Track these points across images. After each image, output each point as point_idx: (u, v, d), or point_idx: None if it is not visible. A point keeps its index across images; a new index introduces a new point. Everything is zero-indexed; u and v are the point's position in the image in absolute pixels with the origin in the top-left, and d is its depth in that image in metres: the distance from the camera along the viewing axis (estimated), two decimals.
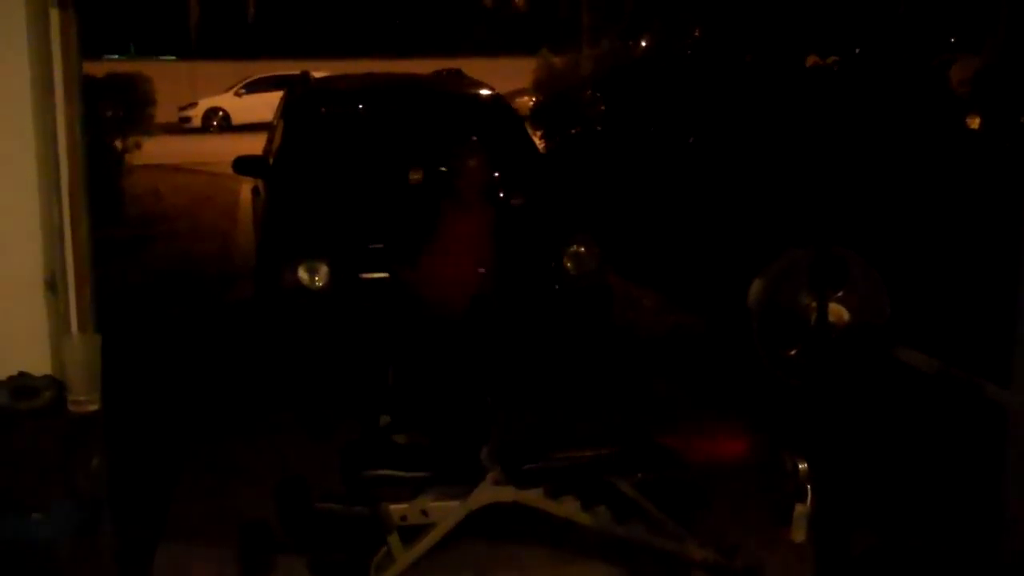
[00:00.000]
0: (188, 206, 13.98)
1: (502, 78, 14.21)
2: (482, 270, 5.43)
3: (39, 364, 3.50)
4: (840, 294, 3.18)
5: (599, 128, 13.66)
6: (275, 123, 8.50)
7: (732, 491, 4.61)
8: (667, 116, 11.76)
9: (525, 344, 5.85)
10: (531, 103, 15.87)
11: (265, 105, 17.34)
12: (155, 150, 14.57)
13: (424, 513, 4.07)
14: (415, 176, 6.48)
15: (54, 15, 3.49)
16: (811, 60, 11.75)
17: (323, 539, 4.18)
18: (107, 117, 12.57)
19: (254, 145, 9.56)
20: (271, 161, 7.69)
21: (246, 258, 8.72)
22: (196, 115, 28.56)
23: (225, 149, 11.90)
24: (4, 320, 3.52)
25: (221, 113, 28.77)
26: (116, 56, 28.45)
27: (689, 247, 9.13)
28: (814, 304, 3.17)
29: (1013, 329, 3.52)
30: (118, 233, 10.68)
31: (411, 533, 4.00)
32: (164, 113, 17.36)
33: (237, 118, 27.68)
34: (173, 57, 32.97)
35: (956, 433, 4.87)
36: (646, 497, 4.16)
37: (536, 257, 6.33)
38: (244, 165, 7.66)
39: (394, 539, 3.94)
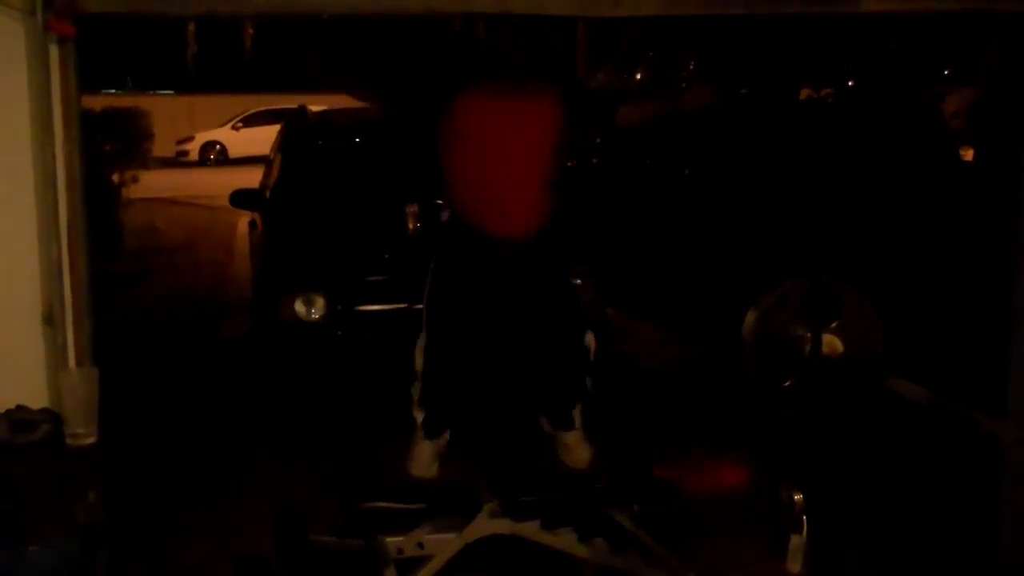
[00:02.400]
0: (185, 239, 14.00)
1: None
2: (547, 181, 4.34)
3: (37, 397, 3.50)
4: (834, 325, 3.20)
5: (595, 160, 13.71)
6: (272, 157, 8.54)
7: (729, 523, 4.61)
8: (662, 148, 11.81)
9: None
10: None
11: (262, 138, 17.40)
12: (153, 183, 14.61)
13: (420, 546, 4.06)
14: (413, 221, 6.43)
15: (53, 51, 3.51)
16: (805, 93, 11.84)
17: (319, 572, 4.17)
18: (105, 151, 12.61)
19: (251, 178, 9.59)
20: (268, 194, 7.73)
21: (243, 291, 8.73)
22: (193, 148, 28.68)
23: (222, 182, 11.95)
24: (2, 353, 3.53)
25: (218, 146, 28.88)
26: (114, 90, 28.60)
27: (685, 279, 9.14)
28: (808, 335, 3.19)
29: (1006, 360, 3.53)
30: (116, 266, 10.70)
31: (408, 566, 3.99)
32: (161, 147, 17.43)
33: (234, 151, 27.78)
34: (171, 91, 33.10)
35: (951, 465, 4.87)
36: (643, 529, 4.17)
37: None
38: (241, 198, 7.69)
39: (391, 572, 3.94)
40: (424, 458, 4.79)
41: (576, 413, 4.82)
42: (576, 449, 4.69)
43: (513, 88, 4.28)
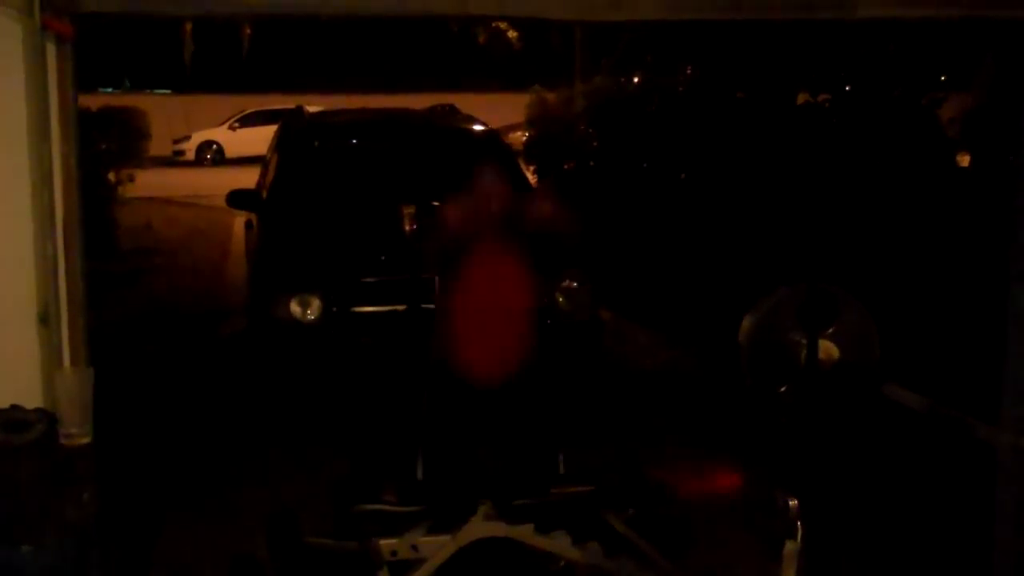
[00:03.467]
0: (181, 239, 13.99)
1: (496, 113, 14.29)
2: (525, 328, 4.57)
3: (31, 397, 3.49)
4: (830, 331, 3.20)
5: (592, 164, 13.72)
6: (269, 157, 8.53)
7: (723, 527, 4.61)
8: (660, 152, 11.83)
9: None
10: (524, 138, 15.95)
11: (259, 139, 17.42)
12: (149, 183, 14.62)
13: (414, 548, 4.06)
14: (410, 224, 6.40)
15: (50, 50, 3.51)
16: (802, 98, 11.85)
17: (313, 574, 4.16)
18: (101, 150, 12.61)
19: (248, 178, 9.59)
20: (264, 195, 7.73)
21: (239, 291, 8.73)
22: (190, 148, 28.66)
23: (219, 182, 11.96)
24: None
25: (215, 146, 28.87)
26: (111, 89, 28.60)
27: (681, 283, 9.15)
28: (804, 341, 3.19)
29: (1002, 368, 3.53)
30: (111, 266, 10.69)
31: (401, 568, 3.99)
32: (158, 146, 17.44)
33: (231, 151, 27.78)
34: (168, 90, 33.12)
35: (946, 471, 4.87)
36: (637, 533, 4.16)
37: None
38: (238, 199, 7.69)
39: (384, 574, 3.93)
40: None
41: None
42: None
43: (495, 252, 4.46)
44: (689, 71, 14.13)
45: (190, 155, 28.43)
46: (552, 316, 6.36)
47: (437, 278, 4.67)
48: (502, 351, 4.47)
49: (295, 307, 6.16)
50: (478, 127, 8.40)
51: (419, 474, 4.52)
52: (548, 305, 6.36)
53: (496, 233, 4.48)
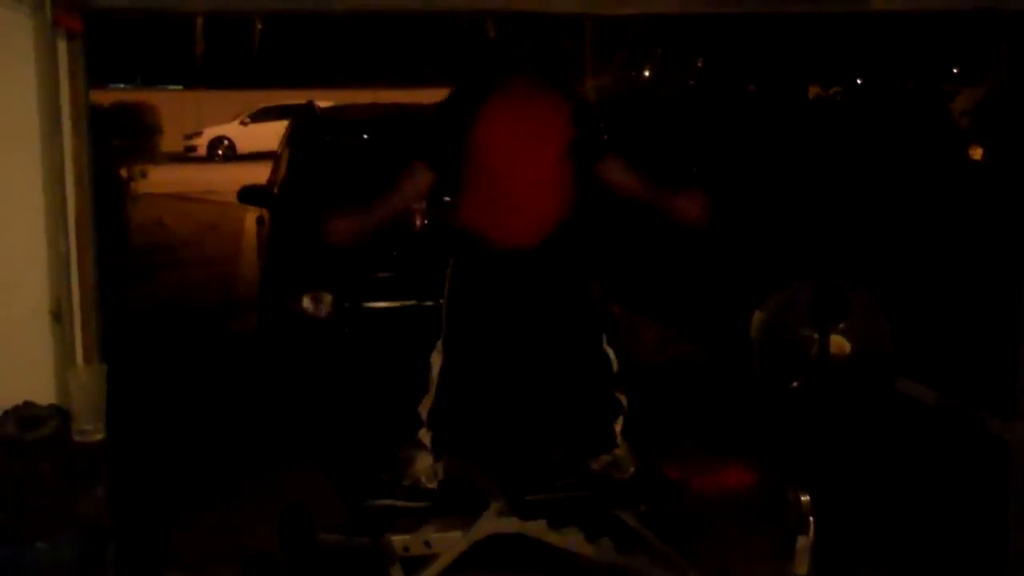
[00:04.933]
0: (193, 235, 14.01)
1: None
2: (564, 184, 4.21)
3: (44, 393, 3.51)
4: (842, 326, 3.20)
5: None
6: (280, 152, 8.54)
7: (735, 523, 4.60)
8: (670, 146, 11.81)
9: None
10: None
11: (270, 134, 17.43)
12: (161, 179, 14.63)
13: (427, 544, 4.06)
14: (421, 220, 6.35)
15: (62, 46, 3.52)
16: (813, 91, 11.83)
17: (326, 570, 4.17)
18: (113, 146, 12.63)
19: (259, 174, 9.60)
20: (276, 191, 7.73)
21: (251, 287, 8.74)
22: (201, 144, 28.67)
23: (230, 178, 11.97)
24: (10, 349, 3.53)
25: (226, 142, 28.89)
26: (123, 85, 28.64)
27: (692, 277, 9.14)
28: (816, 336, 3.19)
29: (1015, 361, 3.52)
30: (123, 262, 10.71)
31: (414, 564, 4.00)
32: (170, 142, 17.44)
33: (242, 147, 27.78)
34: (179, 86, 33.15)
35: (958, 465, 4.86)
36: (649, 528, 4.16)
37: None
38: (249, 195, 7.69)
39: (397, 570, 3.94)
40: (427, 470, 4.53)
41: (617, 429, 4.60)
42: (622, 463, 4.50)
43: (527, 103, 4.21)
44: (700, 64, 14.12)
45: (202, 151, 28.45)
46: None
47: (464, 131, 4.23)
48: (534, 206, 4.19)
49: (307, 303, 6.16)
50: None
51: (423, 414, 4.37)
52: None
53: (526, 72, 4.18)
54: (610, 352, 4.41)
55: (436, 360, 4.31)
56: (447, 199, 4.93)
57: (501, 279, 4.23)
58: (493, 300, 4.25)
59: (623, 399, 4.44)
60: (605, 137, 4.56)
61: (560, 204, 4.30)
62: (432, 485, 4.26)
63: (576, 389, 4.35)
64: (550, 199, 4.26)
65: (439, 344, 4.31)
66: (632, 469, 4.39)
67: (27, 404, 3.46)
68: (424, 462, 4.29)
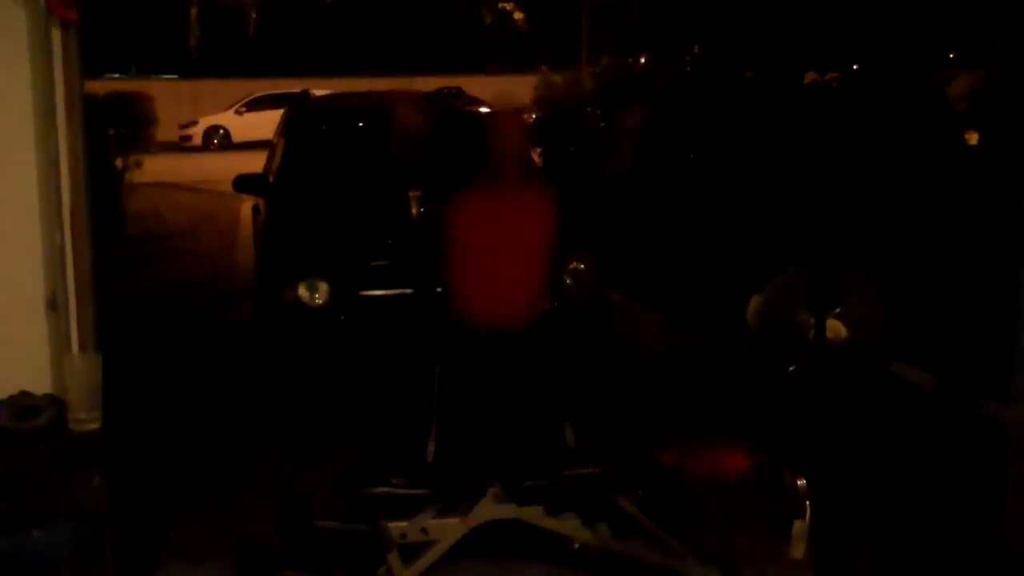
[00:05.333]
0: (189, 224, 14.00)
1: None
2: (543, 272, 4.45)
3: (40, 383, 3.51)
4: (838, 311, 3.20)
5: (599, 145, 13.71)
6: (275, 141, 8.52)
7: (732, 508, 4.61)
8: (667, 132, 11.80)
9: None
10: (531, 120, 15.93)
11: (266, 123, 17.36)
12: (156, 168, 14.61)
13: (424, 531, 4.07)
14: (416, 208, 6.38)
15: (56, 36, 3.51)
16: (810, 76, 11.82)
17: (323, 557, 4.18)
18: (108, 135, 12.61)
19: (254, 163, 9.58)
20: (271, 179, 7.72)
21: (246, 276, 8.74)
22: (197, 133, 28.63)
23: (226, 167, 11.93)
24: (6, 339, 3.54)
25: (222, 131, 28.84)
26: (117, 74, 28.54)
27: (689, 263, 9.13)
28: (812, 321, 3.19)
29: (1012, 346, 3.52)
30: (119, 251, 10.70)
31: (411, 551, 4.00)
32: (165, 131, 17.39)
33: (238, 136, 27.73)
34: (174, 75, 33.07)
35: (955, 449, 4.87)
36: (647, 514, 4.17)
37: None
38: (244, 183, 7.69)
39: (394, 557, 3.94)
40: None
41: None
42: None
43: (509, 192, 4.37)
44: (696, 50, 14.11)
45: (197, 140, 28.41)
46: (560, 297, 6.35)
47: (446, 213, 4.47)
48: (515, 292, 4.38)
49: (303, 291, 6.16)
50: (484, 110, 8.38)
51: (429, 456, 4.53)
52: (556, 285, 6.35)
53: (511, 164, 4.36)
54: (568, 437, 4.63)
55: (430, 444, 4.52)
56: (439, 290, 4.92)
57: (484, 364, 4.43)
58: (478, 381, 4.45)
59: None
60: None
61: (538, 293, 4.51)
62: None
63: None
64: (528, 287, 4.46)
65: (431, 436, 4.52)
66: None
67: (23, 394, 3.46)
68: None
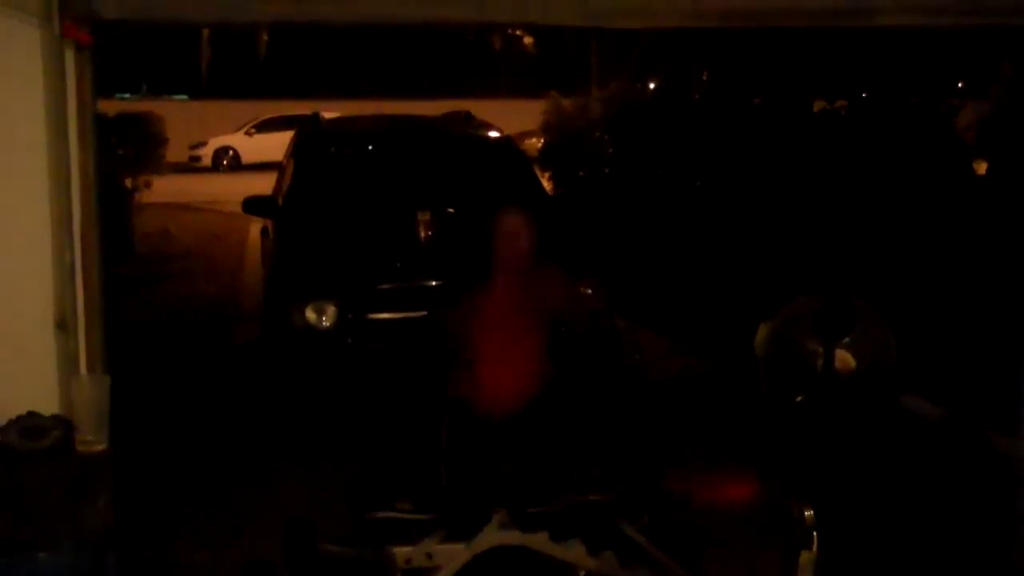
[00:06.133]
0: (197, 245, 14.03)
1: (511, 120, 14.27)
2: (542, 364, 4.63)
3: (48, 403, 3.51)
4: (847, 341, 3.19)
5: (607, 170, 13.72)
6: (285, 163, 8.55)
7: (738, 536, 4.59)
8: (675, 159, 11.82)
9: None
10: (540, 145, 15.95)
11: (275, 145, 17.44)
12: (165, 189, 14.66)
13: (429, 556, 4.05)
14: (425, 229, 6.42)
15: (70, 57, 3.53)
16: (819, 104, 11.83)
17: None
18: (118, 156, 12.65)
19: (264, 185, 9.61)
20: (280, 201, 7.74)
21: (254, 298, 8.74)
22: (206, 154, 28.71)
23: (235, 188, 11.97)
24: (14, 359, 3.53)
25: (231, 152, 28.93)
26: (128, 95, 28.71)
27: (697, 290, 9.14)
28: (821, 350, 3.18)
29: (1020, 378, 3.52)
30: (128, 272, 10.72)
31: None
32: (175, 152, 17.47)
33: (247, 157, 27.82)
34: (185, 96, 33.24)
35: (963, 482, 4.85)
36: (652, 541, 4.15)
37: None
38: (254, 205, 7.71)
39: None
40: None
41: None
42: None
43: (507, 287, 4.51)
44: (705, 77, 14.13)
45: (206, 161, 28.48)
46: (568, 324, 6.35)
47: (451, 318, 4.66)
48: (517, 385, 4.53)
49: (311, 314, 6.16)
50: (493, 134, 8.40)
51: (443, 479, 4.56)
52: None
53: (510, 272, 4.51)
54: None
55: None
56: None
57: (482, 438, 4.52)
58: (477, 453, 4.54)
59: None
60: None
61: (531, 382, 4.59)
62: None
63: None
64: (522, 379, 4.55)
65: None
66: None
67: (31, 414, 3.46)
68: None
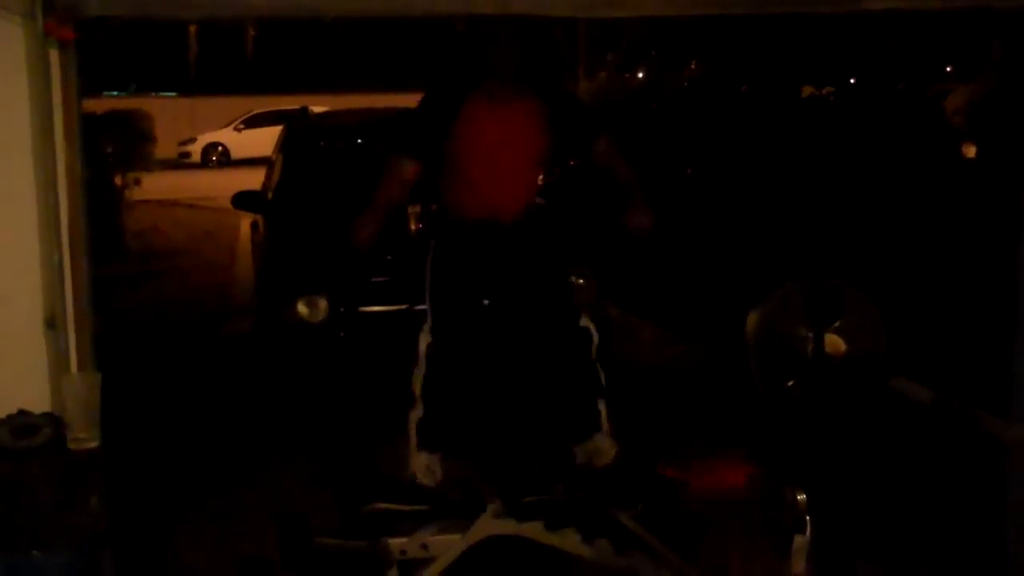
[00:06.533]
0: (188, 241, 14.01)
1: None
2: (537, 173, 4.70)
3: (38, 402, 3.50)
4: (837, 325, 3.21)
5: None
6: (274, 158, 8.54)
7: (732, 523, 4.60)
8: (664, 147, 11.82)
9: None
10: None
11: (264, 140, 17.42)
12: (155, 186, 14.63)
13: (424, 547, 4.06)
14: (415, 224, 6.39)
15: (53, 55, 3.50)
16: (807, 91, 11.85)
17: (323, 574, 4.17)
18: (107, 153, 12.63)
19: (253, 180, 9.59)
20: (270, 196, 7.73)
21: (246, 293, 8.74)
22: (195, 150, 28.69)
23: (224, 184, 11.96)
24: (4, 358, 3.52)
25: (220, 148, 28.91)
26: (116, 92, 28.65)
27: (687, 278, 9.14)
28: (811, 335, 3.19)
29: (1010, 360, 3.52)
30: (118, 269, 10.71)
31: (411, 567, 3.99)
32: (164, 149, 17.43)
33: (236, 153, 27.81)
34: (173, 93, 33.17)
35: (954, 464, 4.86)
36: (647, 529, 4.16)
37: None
38: (243, 200, 7.70)
39: (393, 574, 3.94)
40: (423, 465, 4.59)
41: (601, 408, 4.67)
42: (603, 449, 4.62)
43: (505, 106, 4.46)
44: (693, 66, 14.15)
45: (196, 157, 28.47)
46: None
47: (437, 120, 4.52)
48: (509, 190, 4.53)
49: (302, 308, 6.16)
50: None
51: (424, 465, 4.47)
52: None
53: (509, 71, 4.41)
54: (591, 326, 4.61)
55: (424, 338, 4.52)
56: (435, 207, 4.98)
57: (480, 252, 4.53)
58: (473, 273, 4.56)
59: (602, 375, 4.59)
60: (594, 118, 4.92)
61: (531, 190, 4.68)
62: (429, 482, 4.31)
63: (556, 363, 4.57)
64: (523, 187, 4.63)
65: (425, 327, 4.53)
66: (613, 453, 4.57)
67: (21, 412, 3.44)
68: (419, 460, 4.35)
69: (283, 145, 8.27)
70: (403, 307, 6.13)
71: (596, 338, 4.59)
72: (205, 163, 28.22)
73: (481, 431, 4.52)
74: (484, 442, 4.53)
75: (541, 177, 4.82)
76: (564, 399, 4.58)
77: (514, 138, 4.51)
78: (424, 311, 4.69)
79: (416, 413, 4.44)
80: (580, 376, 4.58)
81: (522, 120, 4.51)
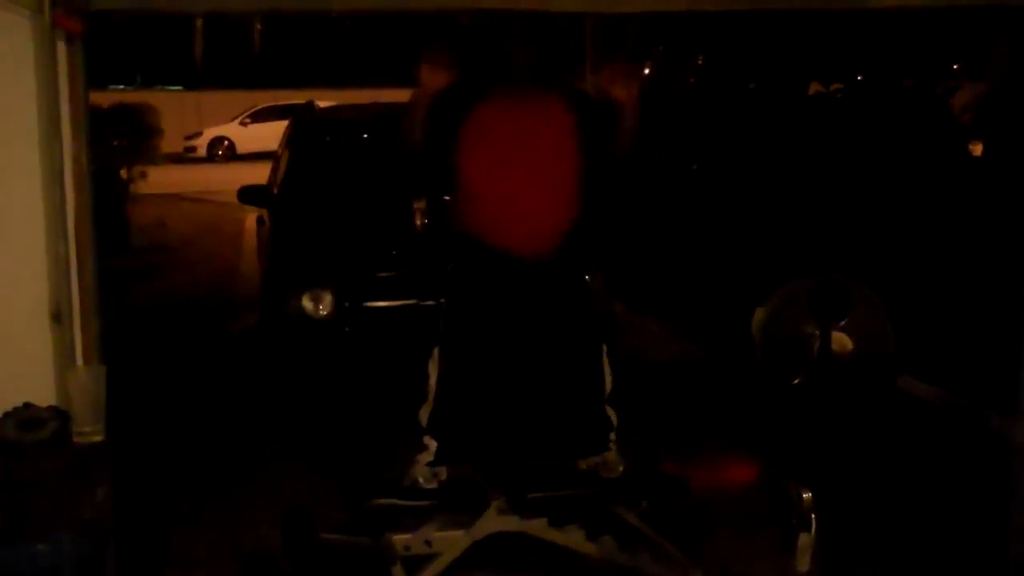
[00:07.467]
0: (193, 235, 14.02)
1: None
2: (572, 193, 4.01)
3: (44, 395, 3.51)
4: (843, 323, 3.20)
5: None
6: (280, 152, 8.54)
7: (737, 520, 4.59)
8: (671, 143, 11.80)
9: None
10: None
11: (270, 134, 17.44)
12: (161, 179, 14.63)
13: (428, 543, 4.06)
14: (421, 218, 6.37)
15: (61, 48, 3.51)
16: (814, 87, 11.83)
17: (327, 569, 4.16)
18: (113, 147, 12.64)
19: (259, 174, 9.59)
20: (276, 190, 7.73)
21: (251, 288, 8.73)
22: (201, 144, 28.69)
23: (230, 178, 11.97)
24: (10, 351, 3.53)
25: (226, 142, 28.90)
26: (122, 86, 28.66)
27: (693, 274, 9.13)
28: (817, 333, 3.18)
29: (1018, 359, 3.51)
30: (124, 262, 10.72)
31: (415, 563, 3.99)
32: (170, 142, 17.43)
33: (242, 147, 27.81)
34: (179, 87, 33.20)
35: (961, 463, 4.85)
36: (651, 526, 4.16)
37: None
38: (249, 195, 7.69)
39: (398, 570, 3.93)
40: (426, 472, 4.47)
41: (610, 420, 4.40)
42: (611, 464, 4.45)
43: (526, 99, 4.04)
44: (700, 62, 14.12)
45: (201, 151, 28.46)
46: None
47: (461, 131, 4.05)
48: (538, 217, 3.99)
49: (307, 302, 6.16)
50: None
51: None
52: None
53: (527, 71, 3.99)
54: (606, 368, 4.35)
55: (433, 369, 4.26)
56: (447, 198, 4.92)
57: (501, 289, 4.09)
58: (492, 311, 4.12)
59: (613, 416, 4.41)
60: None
61: (563, 214, 4.11)
62: (432, 485, 4.29)
63: (568, 402, 4.35)
64: (548, 214, 4.07)
65: (435, 352, 4.25)
66: (621, 469, 4.35)
67: (27, 406, 3.45)
68: (423, 465, 4.31)
69: (289, 139, 8.27)
70: (409, 302, 6.12)
71: (609, 383, 4.36)
72: (211, 157, 28.21)
73: (489, 442, 4.42)
74: (491, 452, 4.45)
75: (578, 208, 4.07)
76: (572, 413, 4.37)
77: (536, 145, 4.00)
78: (431, 307, 4.63)
79: (426, 440, 4.35)
80: (589, 385, 4.32)
81: (544, 127, 4.02)
